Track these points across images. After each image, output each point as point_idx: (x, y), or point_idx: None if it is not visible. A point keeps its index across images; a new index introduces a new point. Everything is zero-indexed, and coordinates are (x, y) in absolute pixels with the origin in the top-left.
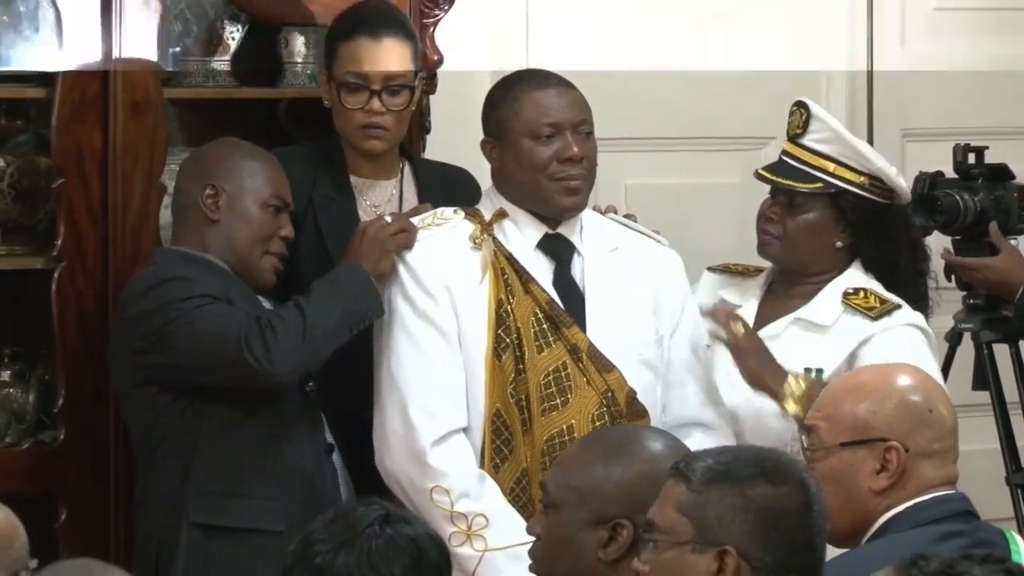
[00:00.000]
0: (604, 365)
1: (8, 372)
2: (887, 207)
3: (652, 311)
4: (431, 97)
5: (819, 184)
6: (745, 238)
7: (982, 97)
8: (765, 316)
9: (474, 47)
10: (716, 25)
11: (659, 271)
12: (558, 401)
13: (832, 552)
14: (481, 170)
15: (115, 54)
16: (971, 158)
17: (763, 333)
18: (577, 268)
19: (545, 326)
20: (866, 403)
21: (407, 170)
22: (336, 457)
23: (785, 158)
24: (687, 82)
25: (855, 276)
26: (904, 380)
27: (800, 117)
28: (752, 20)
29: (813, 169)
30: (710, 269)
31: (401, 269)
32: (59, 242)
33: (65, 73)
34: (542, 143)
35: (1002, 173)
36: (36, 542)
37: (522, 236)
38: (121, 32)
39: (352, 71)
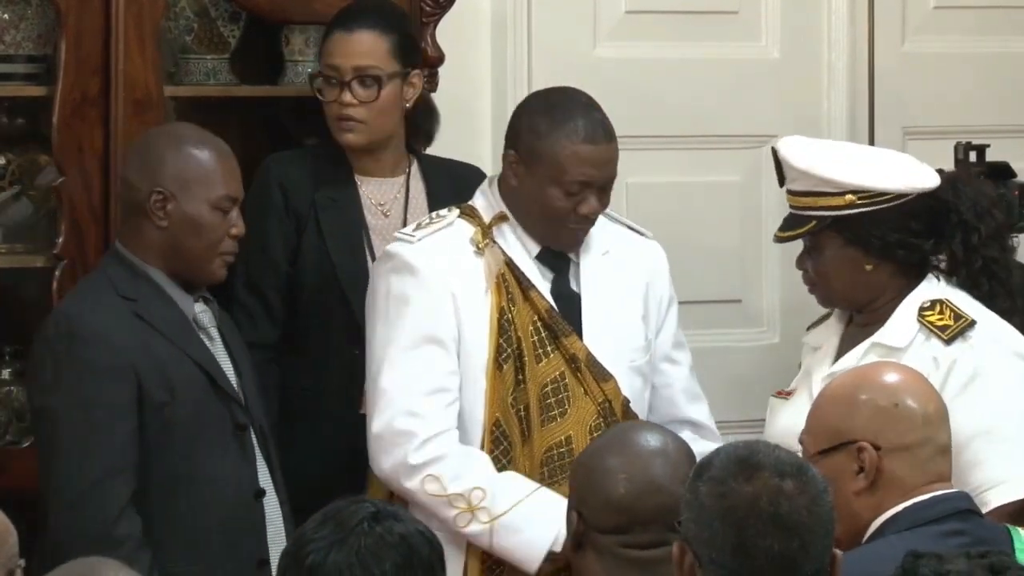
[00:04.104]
0: (601, 375)
1: (8, 370)
2: (902, 206)
3: (643, 317)
4: (432, 95)
5: (812, 223)
6: (747, 237)
7: (983, 95)
8: (845, 348)
9: (475, 44)
10: (717, 22)
11: (646, 268)
12: (556, 412)
13: None
14: (479, 167)
15: (116, 52)
16: (972, 156)
17: (839, 365)
18: (572, 275)
19: (544, 335)
20: (836, 409)
21: (415, 168)
22: (270, 501)
23: (789, 209)
24: (688, 80)
25: (930, 288)
26: (869, 380)
27: (776, 165)
28: (753, 18)
29: (804, 210)
30: (809, 328)
31: (403, 270)
32: (60, 240)
33: (66, 71)
34: (565, 194)
35: (1003, 171)
36: (37, 541)
37: (521, 243)
38: (122, 30)
39: (327, 64)
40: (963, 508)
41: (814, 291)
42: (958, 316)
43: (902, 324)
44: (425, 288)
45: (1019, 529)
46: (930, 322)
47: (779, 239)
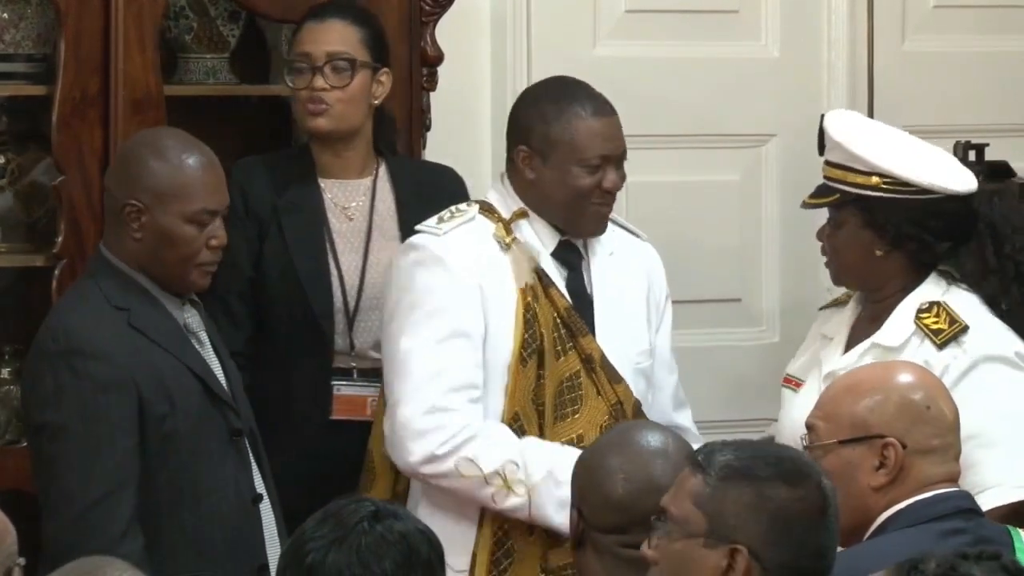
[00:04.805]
0: (614, 376)
1: (8, 369)
2: (926, 202)
3: (646, 319)
4: (431, 94)
5: (836, 196)
6: (746, 236)
7: (982, 94)
8: (853, 342)
9: (474, 44)
10: (717, 21)
11: (646, 271)
12: (569, 410)
13: None
14: (479, 166)
15: (115, 51)
16: (971, 155)
17: (839, 365)
18: (585, 273)
19: (563, 332)
20: (864, 401)
21: (383, 170)
22: (265, 505)
23: (823, 178)
24: (687, 78)
25: (931, 290)
26: (903, 377)
27: (819, 133)
28: (752, 17)
29: (834, 182)
30: (821, 308)
31: (431, 262)
32: (59, 240)
33: (66, 70)
34: (588, 171)
35: (1002, 170)
36: (37, 539)
37: (539, 241)
38: (121, 29)
39: (299, 52)
40: (965, 507)
41: (827, 265)
42: (952, 320)
43: (899, 325)
44: (454, 281)
45: (1019, 530)
46: (925, 325)
47: (805, 205)
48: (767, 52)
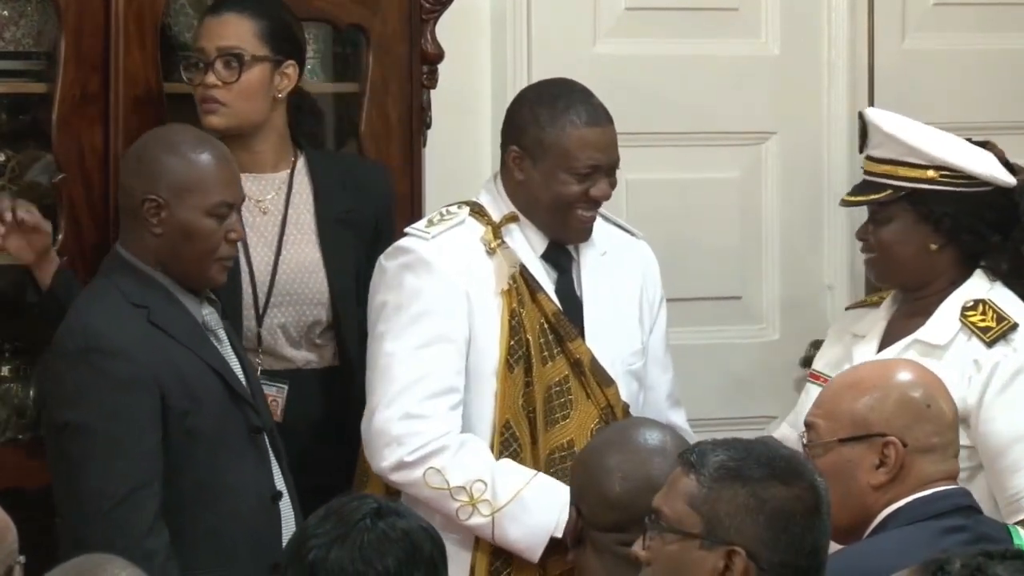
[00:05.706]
0: (604, 380)
1: (8, 367)
2: (979, 194)
3: (639, 320)
4: (432, 92)
5: (888, 192)
6: (746, 233)
7: (983, 92)
8: (889, 338)
9: (475, 41)
10: (717, 19)
11: (640, 270)
12: (559, 415)
13: (831, 547)
14: (479, 164)
15: (115, 49)
16: None
17: (879, 358)
18: (575, 275)
19: (550, 338)
20: (865, 399)
21: (301, 163)
22: (285, 503)
23: (864, 175)
24: (688, 76)
25: (977, 285)
26: (903, 375)
27: (860, 129)
28: (752, 14)
29: (882, 177)
30: (847, 308)
31: (419, 266)
32: (60, 237)
33: (66, 68)
34: (577, 179)
35: (1004, 167)
36: (37, 537)
37: (528, 245)
38: (122, 26)
39: (195, 48)
40: (963, 504)
41: (871, 263)
42: (1000, 318)
43: (944, 322)
44: (441, 286)
45: (1019, 528)
46: (972, 323)
47: (846, 203)
48: (767, 50)
